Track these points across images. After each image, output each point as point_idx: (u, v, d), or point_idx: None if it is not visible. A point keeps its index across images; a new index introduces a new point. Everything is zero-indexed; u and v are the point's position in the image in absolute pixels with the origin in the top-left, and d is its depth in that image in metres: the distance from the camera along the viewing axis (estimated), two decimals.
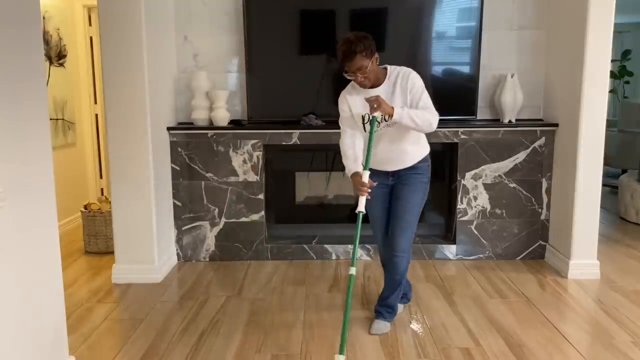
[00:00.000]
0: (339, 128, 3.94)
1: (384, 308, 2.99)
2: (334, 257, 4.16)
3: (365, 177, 2.65)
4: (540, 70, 4.13)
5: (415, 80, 2.73)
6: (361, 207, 2.63)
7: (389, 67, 2.79)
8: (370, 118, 2.65)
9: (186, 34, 4.13)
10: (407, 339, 2.87)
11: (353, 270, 2.49)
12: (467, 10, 4.02)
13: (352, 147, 2.81)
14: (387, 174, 2.89)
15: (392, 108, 2.61)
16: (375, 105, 2.60)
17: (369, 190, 2.64)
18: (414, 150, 2.86)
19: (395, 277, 2.91)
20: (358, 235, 2.60)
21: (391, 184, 2.91)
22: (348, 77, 2.72)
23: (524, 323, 3.04)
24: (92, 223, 4.28)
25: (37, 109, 2.19)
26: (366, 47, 2.62)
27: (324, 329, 2.99)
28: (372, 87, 2.75)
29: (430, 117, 2.68)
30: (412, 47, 4.10)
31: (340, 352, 2.35)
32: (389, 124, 2.70)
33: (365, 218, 2.74)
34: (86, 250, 4.36)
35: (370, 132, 2.65)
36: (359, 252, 4.14)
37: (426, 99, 2.73)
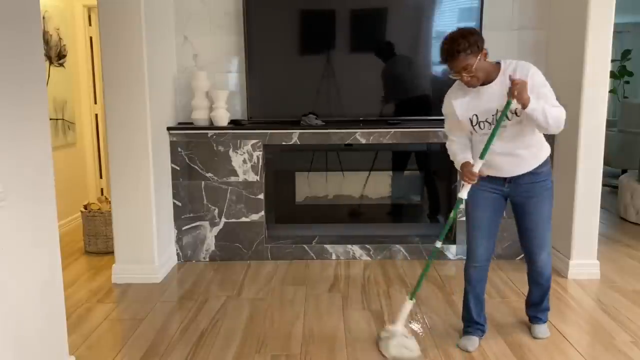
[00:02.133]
0: (338, 128, 3.99)
1: (540, 313, 2.91)
2: (333, 257, 4.15)
3: (478, 166, 2.51)
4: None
5: (536, 76, 2.46)
6: (463, 194, 2.58)
7: (502, 61, 2.53)
8: (506, 101, 2.40)
9: (186, 34, 4.13)
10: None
11: (438, 244, 2.70)
12: (467, 10, 4.02)
13: (462, 150, 2.64)
14: (502, 179, 2.63)
15: (529, 98, 2.36)
16: (515, 92, 2.35)
17: (476, 181, 2.51)
18: (534, 155, 2.59)
19: (543, 283, 2.83)
20: (454, 217, 2.69)
21: (507, 191, 2.66)
22: (453, 77, 2.51)
23: (524, 323, 3.03)
24: (92, 223, 4.28)
25: (37, 109, 2.19)
26: (471, 44, 2.38)
27: (323, 329, 2.99)
28: (483, 84, 2.51)
29: (563, 116, 2.44)
30: (412, 47, 4.10)
31: (411, 298, 2.68)
32: (517, 118, 2.47)
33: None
34: (86, 250, 4.36)
35: (502, 114, 2.43)
36: (359, 252, 4.14)
37: (552, 98, 2.47)
